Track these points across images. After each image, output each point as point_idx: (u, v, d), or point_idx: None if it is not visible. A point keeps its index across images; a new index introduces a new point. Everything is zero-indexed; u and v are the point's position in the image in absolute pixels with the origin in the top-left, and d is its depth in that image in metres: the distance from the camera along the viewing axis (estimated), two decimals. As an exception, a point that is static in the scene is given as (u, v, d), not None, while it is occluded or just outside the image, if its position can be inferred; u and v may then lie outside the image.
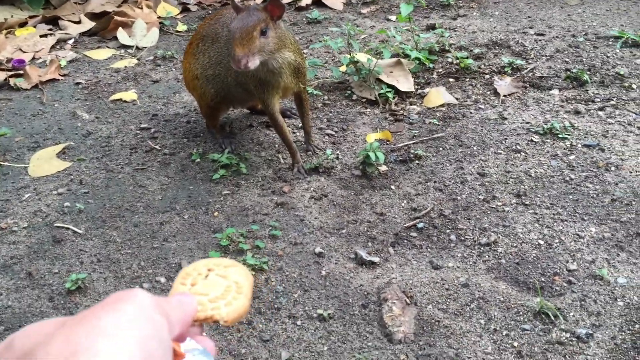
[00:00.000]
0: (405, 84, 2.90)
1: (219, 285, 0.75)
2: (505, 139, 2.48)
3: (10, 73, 3.24)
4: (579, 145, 2.41)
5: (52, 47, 3.63)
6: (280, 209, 2.17)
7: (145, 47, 3.62)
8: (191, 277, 0.75)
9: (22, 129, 2.75)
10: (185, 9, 4.22)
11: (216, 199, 2.24)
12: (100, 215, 2.17)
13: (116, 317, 0.49)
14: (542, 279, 1.80)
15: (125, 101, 2.97)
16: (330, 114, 2.76)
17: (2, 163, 2.46)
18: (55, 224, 2.12)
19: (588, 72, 2.88)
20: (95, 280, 1.87)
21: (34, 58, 3.46)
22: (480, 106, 2.75)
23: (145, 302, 0.52)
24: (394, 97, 2.84)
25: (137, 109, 2.90)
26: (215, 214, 2.16)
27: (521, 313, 1.69)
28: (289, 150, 2.38)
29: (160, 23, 3.90)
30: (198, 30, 2.50)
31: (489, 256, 1.90)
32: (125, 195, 2.28)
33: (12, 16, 3.88)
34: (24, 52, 3.53)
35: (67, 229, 2.10)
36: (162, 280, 1.87)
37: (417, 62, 3.06)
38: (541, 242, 1.93)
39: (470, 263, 1.88)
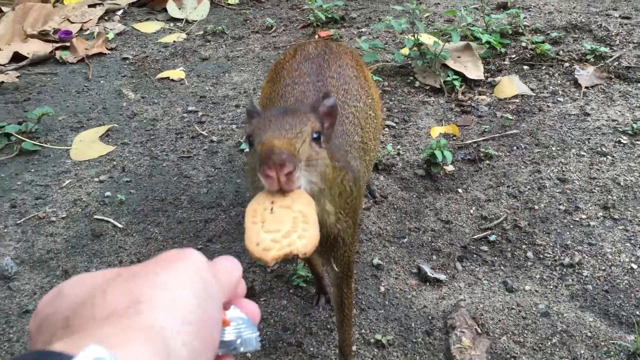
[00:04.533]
0: (474, 71, 2.64)
1: (287, 218, 0.79)
2: (589, 138, 2.21)
3: (56, 45, 3.12)
4: (675, 150, 2.12)
5: (100, 18, 3.49)
6: (335, 210, 1.98)
7: (195, 21, 3.44)
8: (259, 213, 0.81)
9: (65, 107, 2.62)
10: (237, -20, 4.01)
11: (265, 195, 2.06)
12: (142, 208, 2.02)
13: (173, 274, 0.49)
14: (638, 312, 1.56)
15: (172, 80, 2.81)
16: (390, 103, 2.53)
17: (44, 145, 2.34)
18: (95, 216, 1.98)
19: (684, 64, 2.56)
20: (134, 283, 1.73)
21: (81, 29, 3.33)
22: (558, 99, 2.47)
23: (200, 263, 0.52)
24: (461, 86, 2.59)
25: (185, 89, 2.73)
26: (264, 212, 1.98)
27: (612, 353, 1.46)
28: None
29: (211, -5, 3.70)
30: (280, 60, 1.69)
31: (572, 280, 1.66)
32: (169, 186, 2.12)
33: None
34: (72, 22, 3.41)
35: (107, 222, 1.96)
36: (205, 287, 1.71)
37: (488, 46, 2.78)
38: (634, 265, 1.68)
39: (551, 287, 1.65)
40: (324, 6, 3.26)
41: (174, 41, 3.20)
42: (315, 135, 1.02)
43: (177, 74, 2.84)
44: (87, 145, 2.36)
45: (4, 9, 3.37)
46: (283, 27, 3.33)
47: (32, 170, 2.22)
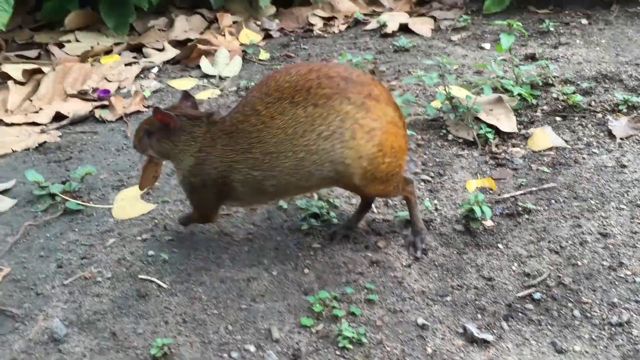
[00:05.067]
0: (507, 123, 2.66)
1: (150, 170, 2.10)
2: (627, 191, 2.21)
3: (95, 104, 3.22)
4: None
5: (137, 76, 3.60)
6: (376, 268, 1.99)
7: (228, 77, 3.54)
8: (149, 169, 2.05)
9: (106, 165, 2.69)
10: (267, 35, 4.13)
11: (305, 253, 2.08)
12: (185, 267, 2.05)
13: None
14: (692, 375, 1.53)
15: (208, 136, 2.87)
16: (424, 156, 2.56)
17: (87, 204, 2.40)
18: (140, 276, 2.02)
19: None
20: (181, 345, 1.75)
21: (118, 88, 3.44)
22: (593, 150, 2.48)
23: None
24: (494, 138, 2.61)
25: (221, 146, 2.79)
26: (306, 270, 2.00)
27: (670, 418, 1.43)
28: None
29: (242, 51, 3.81)
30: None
31: (622, 339, 1.64)
32: (211, 244, 2.15)
33: (97, 43, 3.90)
34: (109, 81, 3.52)
35: (152, 281, 1.99)
36: (252, 349, 1.72)
37: (519, 98, 2.82)
38: (685, 325, 1.66)
39: (601, 347, 1.63)
40: (353, 60, 3.34)
41: (209, 97, 3.29)
42: (147, 132, 1.96)
43: (213, 130, 2.90)
44: (129, 203, 2.41)
45: (45, 69, 3.50)
46: (314, 82, 3.40)
47: (77, 229, 2.27)
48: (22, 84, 3.41)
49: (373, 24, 4.09)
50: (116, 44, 3.94)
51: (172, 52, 3.83)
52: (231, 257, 2.09)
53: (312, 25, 4.22)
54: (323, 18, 4.31)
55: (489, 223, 2.13)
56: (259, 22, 4.27)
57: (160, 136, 1.95)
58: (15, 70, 3.48)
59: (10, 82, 3.34)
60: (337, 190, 2.38)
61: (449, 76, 2.67)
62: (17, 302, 1.93)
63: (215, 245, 2.15)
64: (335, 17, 4.32)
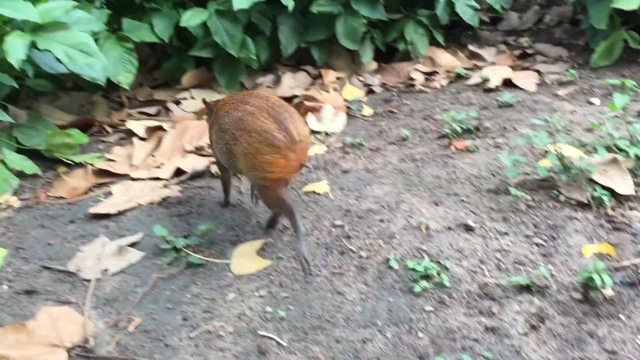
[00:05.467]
0: (624, 185, 2.59)
1: None
2: None
3: (212, 160, 3.43)
4: None
5: (247, 132, 3.81)
6: (491, 335, 1.99)
7: (334, 133, 3.67)
8: None
9: (223, 221, 2.85)
10: (369, 90, 4.26)
11: (418, 315, 2.11)
12: (301, 325, 2.13)
13: None
14: None
15: (318, 193, 2.99)
16: (536, 219, 2.54)
17: (207, 258, 2.55)
18: (259, 332, 2.12)
19: None
20: (301, 404, 1.82)
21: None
22: None
23: None
24: (609, 200, 2.55)
25: (330, 203, 2.90)
26: (420, 334, 2.03)
27: None
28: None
29: (347, 107, 3.95)
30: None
31: None
32: (325, 303, 2.23)
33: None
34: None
35: (271, 339, 2.09)
36: (370, 413, 1.76)
37: (635, 158, 2.74)
38: None
39: None
40: (457, 117, 3.38)
41: (316, 153, 3.42)
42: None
43: (322, 187, 3.02)
44: (246, 259, 2.54)
45: (164, 125, 3.79)
46: (418, 138, 3.47)
47: (199, 282, 2.42)
48: (143, 139, 3.70)
49: (475, 79, 4.12)
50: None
51: (279, 108, 4.03)
52: (345, 316, 2.16)
53: (414, 79, 4.31)
54: (424, 73, 4.39)
55: (609, 292, 2.07)
56: (361, 78, 4.41)
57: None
58: (138, 127, 3.79)
59: (135, 139, 3.64)
60: (448, 252, 2.41)
61: (561, 136, 2.64)
62: (149, 353, 2.08)
63: (328, 304, 2.22)
64: (437, 72, 4.39)
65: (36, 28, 3.29)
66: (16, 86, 3.39)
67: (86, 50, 3.26)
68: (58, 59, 3.33)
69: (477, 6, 4.63)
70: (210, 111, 2.78)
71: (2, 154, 3.30)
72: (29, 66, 3.50)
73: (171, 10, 4.23)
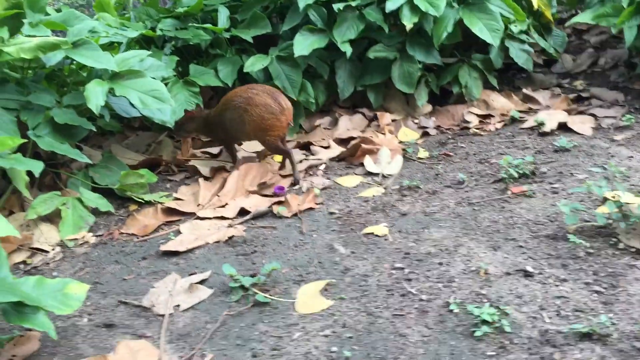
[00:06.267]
0: (685, 234, 2.61)
1: None
2: None
3: (273, 200, 3.58)
4: None
5: (305, 173, 3.96)
6: (554, 382, 2.03)
7: (391, 175, 3.78)
8: None
9: (286, 260, 2.98)
10: (425, 133, 4.37)
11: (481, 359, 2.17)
12: (366, 366, 2.22)
13: None
14: None
15: (377, 235, 3.09)
16: (595, 266, 2.57)
17: (273, 297, 2.67)
18: (325, 371, 2.21)
19: None
20: None
21: (291, 184, 3.80)
22: None
23: None
24: (671, 249, 2.56)
25: (389, 245, 2.99)
26: (482, 379, 2.09)
27: None
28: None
29: (403, 149, 4.06)
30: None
31: None
32: (387, 344, 2.31)
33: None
34: (283, 177, 3.90)
35: (337, 378, 2.18)
36: None
37: (696, 207, 2.75)
38: None
39: None
40: (514, 162, 3.44)
41: (373, 195, 3.53)
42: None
43: (381, 230, 3.12)
44: (310, 298, 2.65)
45: (227, 165, 3.97)
46: (474, 182, 3.54)
47: (266, 320, 2.54)
48: (208, 179, 3.90)
49: (530, 122, 4.18)
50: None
51: (337, 150, 4.18)
52: (408, 358, 2.23)
53: (468, 122, 4.40)
54: (478, 115, 4.48)
55: (673, 343, 2.09)
56: (416, 120, 4.52)
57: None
58: (204, 167, 3.99)
59: (200, 180, 3.83)
60: (507, 297, 2.46)
61: (620, 185, 2.68)
62: (222, 388, 2.20)
63: (391, 346, 2.30)
64: (491, 115, 4.47)
65: (113, 76, 3.54)
66: (94, 130, 3.64)
67: (158, 97, 3.49)
68: (132, 104, 3.57)
69: (531, 50, 4.71)
70: (195, 117, 4.05)
71: (79, 192, 3.54)
72: (106, 111, 3.76)
73: (234, 56, 4.47)
